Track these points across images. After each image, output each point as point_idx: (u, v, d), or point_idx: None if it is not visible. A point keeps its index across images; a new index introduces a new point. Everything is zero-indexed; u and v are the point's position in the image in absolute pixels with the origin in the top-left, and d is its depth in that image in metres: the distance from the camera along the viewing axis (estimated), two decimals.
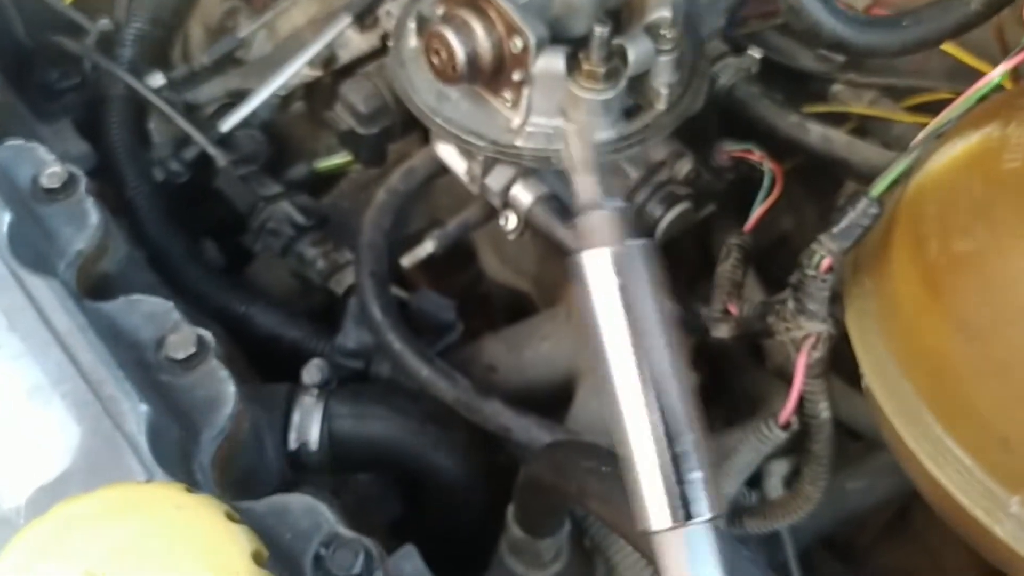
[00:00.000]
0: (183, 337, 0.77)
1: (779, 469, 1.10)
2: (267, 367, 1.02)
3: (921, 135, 0.70)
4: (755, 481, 1.07)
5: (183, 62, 1.26)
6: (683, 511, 0.48)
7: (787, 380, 0.78)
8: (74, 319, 0.72)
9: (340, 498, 0.93)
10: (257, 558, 0.53)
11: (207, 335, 0.77)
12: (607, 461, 0.64)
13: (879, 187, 0.70)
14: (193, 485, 0.70)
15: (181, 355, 0.76)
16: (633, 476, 0.49)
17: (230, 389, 0.76)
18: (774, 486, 1.08)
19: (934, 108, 1.02)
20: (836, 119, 1.08)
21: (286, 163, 1.19)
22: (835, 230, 0.71)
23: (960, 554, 0.94)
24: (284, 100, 1.25)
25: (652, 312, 0.50)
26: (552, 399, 1.03)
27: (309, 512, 0.70)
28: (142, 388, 0.71)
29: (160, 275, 1.01)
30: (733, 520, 0.87)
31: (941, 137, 0.72)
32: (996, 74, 0.68)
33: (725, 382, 1.30)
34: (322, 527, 0.69)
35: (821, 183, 1.14)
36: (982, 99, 0.69)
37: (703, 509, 0.48)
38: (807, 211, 1.24)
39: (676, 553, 0.48)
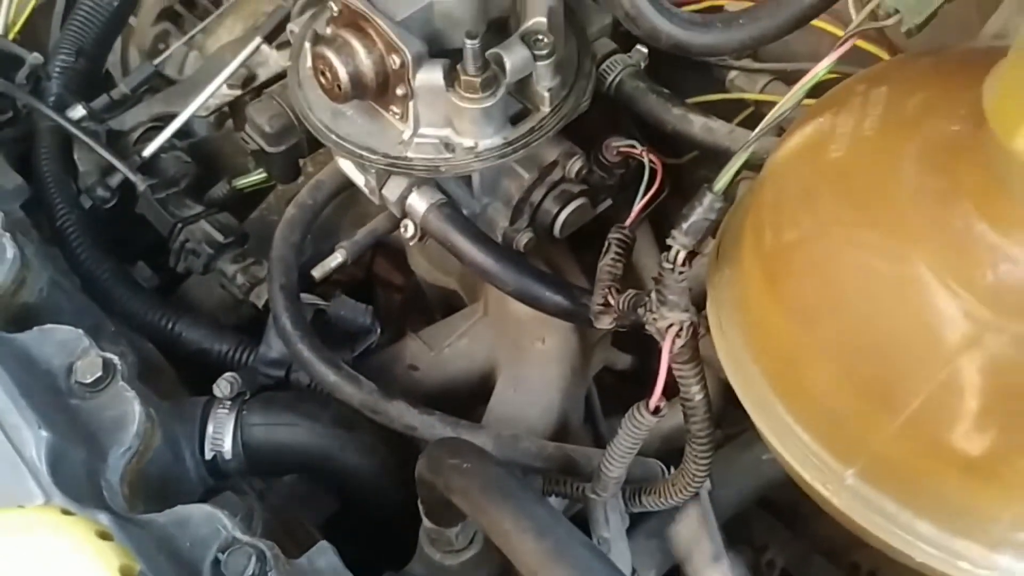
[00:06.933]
0: (90, 362, 0.82)
1: None
2: (202, 379, 1.08)
3: (756, 130, 0.73)
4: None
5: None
6: None
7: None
8: None
9: (267, 499, 0.99)
10: (125, 571, 0.58)
11: (113, 359, 0.82)
12: (469, 458, 0.69)
13: (721, 181, 0.74)
14: (98, 502, 0.76)
15: (88, 379, 0.81)
16: None
17: (135, 408, 0.81)
18: None
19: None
20: (736, 105, 1.11)
21: (218, 180, 1.24)
22: (685, 225, 0.75)
23: None
24: (217, 117, 1.30)
25: None
26: (473, 394, 1.08)
27: (208, 520, 0.75)
28: (48, 414, 0.76)
29: (92, 298, 1.07)
30: (632, 499, 0.91)
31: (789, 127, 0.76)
32: (820, 68, 0.71)
33: (652, 363, 1.34)
34: (220, 534, 0.74)
35: None
36: (812, 92, 0.72)
37: None
38: (732, 193, 1.28)
39: None
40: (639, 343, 1.36)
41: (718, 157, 0.99)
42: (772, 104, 1.07)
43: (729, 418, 1.05)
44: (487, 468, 0.66)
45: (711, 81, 1.16)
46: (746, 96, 1.08)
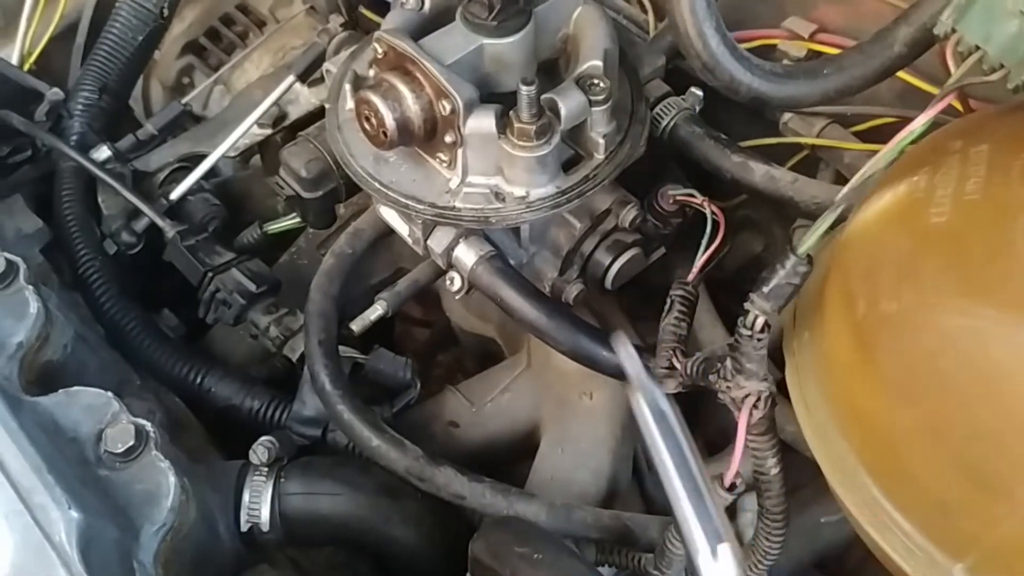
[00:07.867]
0: (121, 429, 0.77)
1: (752, 504, 1.09)
2: (232, 433, 1.02)
3: (847, 187, 0.68)
4: (730, 513, 1.06)
5: (146, 119, 1.25)
6: None
7: None
8: (5, 424, 0.72)
9: (303, 568, 0.93)
10: None
11: (146, 425, 0.77)
12: (540, 547, 0.63)
13: (806, 244, 0.68)
14: None
15: (120, 448, 0.76)
16: None
17: (170, 480, 0.75)
18: (748, 522, 1.08)
19: (885, 133, 1.01)
20: (790, 148, 1.06)
21: (246, 221, 1.18)
22: (765, 289, 0.69)
23: None
24: (244, 155, 1.25)
25: None
26: (515, 451, 1.02)
27: None
28: (77, 489, 0.71)
29: (117, 349, 1.01)
30: (695, 573, 0.86)
31: (872, 184, 0.71)
32: (918, 124, 0.66)
33: (702, 414, 1.29)
34: None
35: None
36: (906, 148, 0.67)
37: None
38: (776, 232, 1.23)
39: None
40: (685, 393, 1.31)
41: (782, 206, 0.94)
42: (829, 149, 1.05)
43: None
44: (562, 560, 0.60)
45: (761, 122, 1.12)
46: (802, 140, 1.03)
